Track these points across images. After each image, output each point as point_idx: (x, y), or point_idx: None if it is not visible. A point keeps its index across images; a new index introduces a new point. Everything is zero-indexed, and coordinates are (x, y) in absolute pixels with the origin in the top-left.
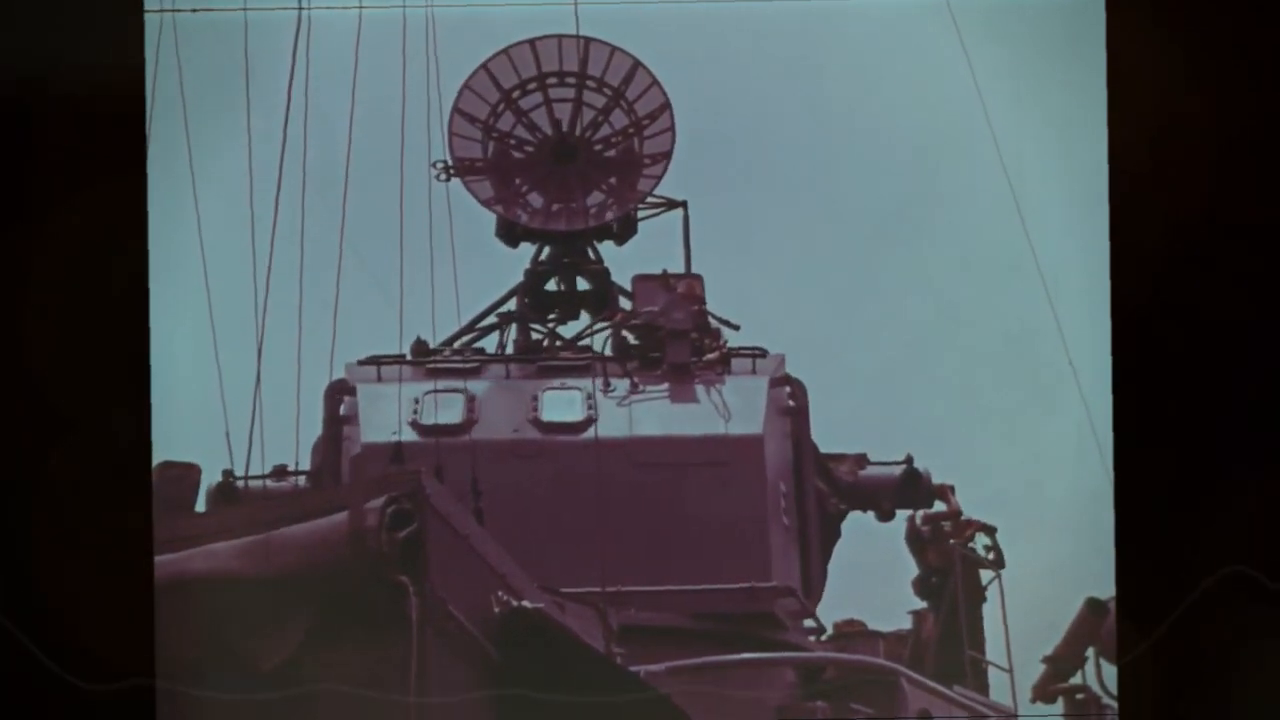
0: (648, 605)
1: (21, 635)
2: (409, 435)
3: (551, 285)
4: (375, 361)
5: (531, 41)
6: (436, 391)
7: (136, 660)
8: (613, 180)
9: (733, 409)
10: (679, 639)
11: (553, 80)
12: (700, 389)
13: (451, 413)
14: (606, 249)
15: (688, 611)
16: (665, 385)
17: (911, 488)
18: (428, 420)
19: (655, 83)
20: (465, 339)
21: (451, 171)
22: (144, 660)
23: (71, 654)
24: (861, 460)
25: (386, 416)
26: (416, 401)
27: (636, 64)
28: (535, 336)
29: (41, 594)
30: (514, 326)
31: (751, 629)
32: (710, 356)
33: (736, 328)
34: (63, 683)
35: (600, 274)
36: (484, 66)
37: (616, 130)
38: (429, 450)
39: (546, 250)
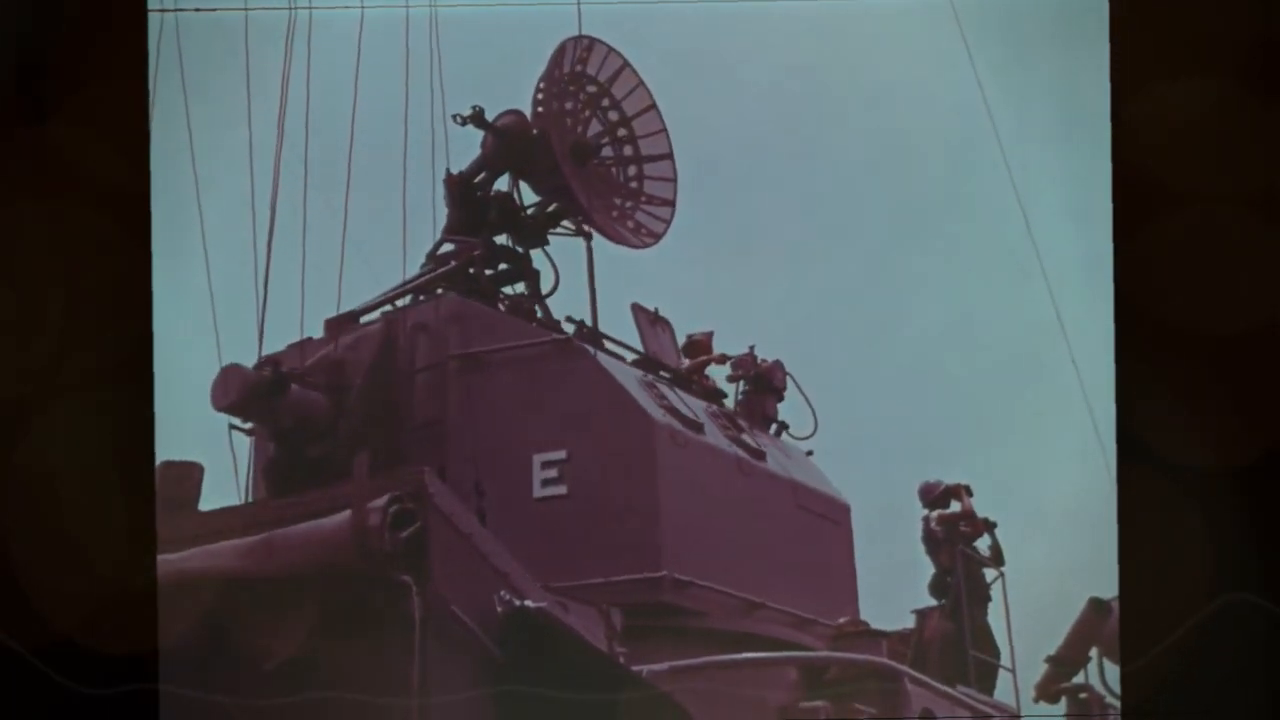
0: (791, 625)
1: (21, 636)
2: (669, 421)
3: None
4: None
5: (592, 41)
6: (658, 381)
7: (138, 660)
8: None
9: (812, 472)
10: (681, 639)
11: (583, 82)
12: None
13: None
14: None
15: (818, 636)
16: (759, 434)
17: None
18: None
19: (663, 129)
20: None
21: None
22: (146, 660)
23: (73, 654)
24: None
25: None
26: (653, 386)
27: (652, 105)
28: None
29: (43, 594)
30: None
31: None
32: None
33: (811, 432)
34: (63, 685)
35: (534, 276)
36: (564, 43)
37: (615, 155)
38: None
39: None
